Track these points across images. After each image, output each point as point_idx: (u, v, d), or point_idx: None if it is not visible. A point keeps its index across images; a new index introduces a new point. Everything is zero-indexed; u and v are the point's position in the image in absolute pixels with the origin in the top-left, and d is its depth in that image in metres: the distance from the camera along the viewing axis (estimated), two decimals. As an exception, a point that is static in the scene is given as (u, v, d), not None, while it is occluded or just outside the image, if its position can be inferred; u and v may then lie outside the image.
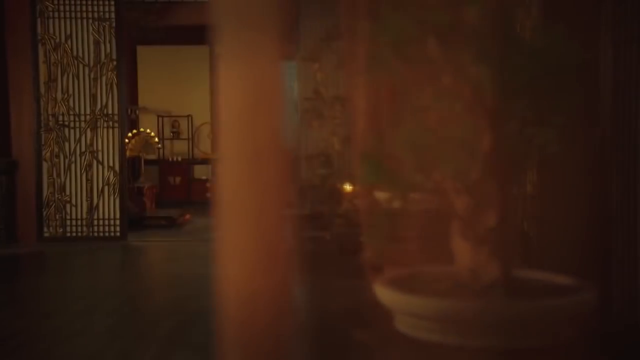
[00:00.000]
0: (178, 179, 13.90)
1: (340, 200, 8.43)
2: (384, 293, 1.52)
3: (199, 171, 14.26)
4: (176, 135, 14.36)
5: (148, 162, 13.02)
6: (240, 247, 1.62)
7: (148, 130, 13.39)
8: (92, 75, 8.96)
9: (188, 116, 14.24)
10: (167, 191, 13.48)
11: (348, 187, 6.45)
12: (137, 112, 13.60)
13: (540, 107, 1.27)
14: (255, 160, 1.55)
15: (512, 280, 1.37)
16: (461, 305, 1.32)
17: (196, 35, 13.99)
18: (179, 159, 14.10)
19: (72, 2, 8.90)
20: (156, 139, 13.54)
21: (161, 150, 14.06)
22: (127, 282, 6.83)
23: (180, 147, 14.34)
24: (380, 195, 4.19)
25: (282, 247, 1.52)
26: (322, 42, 8.97)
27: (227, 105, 1.61)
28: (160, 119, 14.26)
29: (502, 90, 1.25)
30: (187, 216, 11.18)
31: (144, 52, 14.04)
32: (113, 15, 8.95)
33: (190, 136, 14.30)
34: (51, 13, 8.91)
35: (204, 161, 14.26)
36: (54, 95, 8.93)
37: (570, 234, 1.35)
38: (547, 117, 1.25)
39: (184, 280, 6.75)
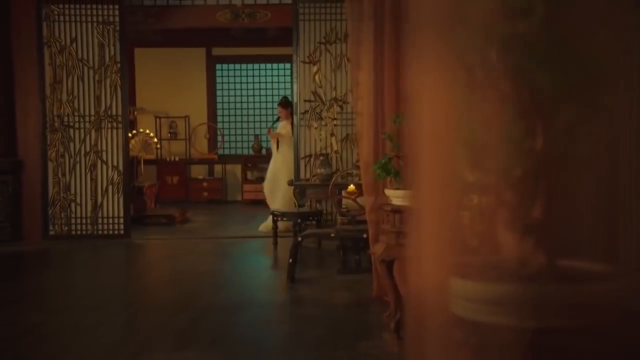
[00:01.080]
0: (175, 179, 13.94)
1: (340, 198, 8.51)
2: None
3: (196, 171, 14.31)
4: (174, 135, 14.39)
5: (146, 162, 13.07)
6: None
7: (147, 131, 13.44)
8: (96, 77, 9.01)
9: (185, 117, 14.28)
10: (165, 190, 13.50)
11: (351, 186, 6.53)
12: (136, 113, 13.61)
13: (588, 108, 1.37)
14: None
15: (557, 267, 1.47)
16: (518, 288, 1.42)
17: (193, 37, 14.13)
18: (177, 159, 14.13)
19: (77, 6, 8.95)
20: (155, 140, 13.58)
21: (159, 151, 14.09)
22: (134, 279, 6.91)
23: (177, 148, 14.37)
24: (390, 192, 4.31)
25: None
26: (321, 45, 9.08)
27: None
28: (157, 119, 14.29)
29: (555, 93, 1.35)
30: (187, 214, 11.23)
31: (141, 54, 14.05)
32: (117, 19, 9.01)
33: (187, 136, 14.33)
34: (57, 17, 8.96)
35: (201, 161, 14.31)
36: (59, 97, 8.98)
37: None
38: (594, 118, 1.35)
39: (188, 276, 6.83)
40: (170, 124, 14.40)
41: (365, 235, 6.24)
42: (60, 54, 8.98)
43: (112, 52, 9.03)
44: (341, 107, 9.09)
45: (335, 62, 9.08)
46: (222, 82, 14.84)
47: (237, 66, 14.82)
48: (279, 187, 9.47)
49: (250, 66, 14.80)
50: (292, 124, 9.57)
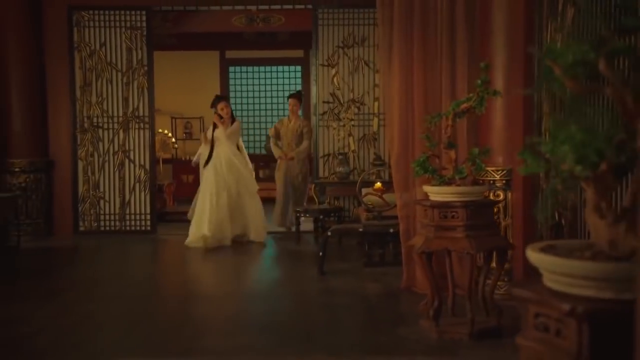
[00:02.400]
0: (191, 177, 14.10)
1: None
2: (536, 257, 1.82)
3: (210, 170, 14.48)
4: (189, 135, 14.58)
5: (163, 161, 13.26)
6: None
7: (166, 132, 13.63)
8: (124, 80, 9.21)
9: (200, 117, 14.46)
10: (180, 188, 13.69)
11: (378, 184, 6.74)
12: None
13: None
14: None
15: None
16: (612, 266, 1.63)
17: (207, 41, 14.32)
18: (189, 157, 14.30)
19: (106, 12, 9.14)
20: (173, 139, 13.78)
21: (175, 150, 14.28)
22: (170, 271, 7.10)
23: (192, 147, 14.51)
24: (428, 189, 4.52)
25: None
26: (339, 48, 9.29)
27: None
28: (173, 120, 14.48)
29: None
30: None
31: (158, 57, 14.11)
32: (144, 24, 9.21)
33: (201, 137, 14.51)
34: (87, 22, 9.15)
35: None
36: (88, 99, 9.18)
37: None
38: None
39: (219, 269, 7.02)
40: (186, 124, 14.59)
41: (391, 230, 6.47)
42: (90, 57, 9.17)
43: (140, 56, 9.23)
44: (358, 108, 9.29)
45: (353, 65, 9.28)
46: (235, 84, 15.04)
47: (250, 68, 15.02)
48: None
49: (262, 68, 15.01)
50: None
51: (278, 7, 10.52)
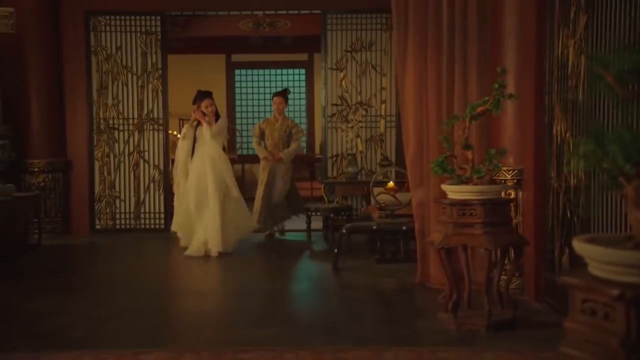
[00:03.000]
0: (198, 177, 14.21)
1: (369, 195, 8.86)
2: (584, 247, 1.95)
3: (217, 170, 14.59)
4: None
5: (172, 162, 13.35)
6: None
7: (175, 133, 13.73)
8: (139, 83, 9.33)
9: (206, 119, 14.55)
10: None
11: (391, 183, 6.88)
12: (162, 115, 13.90)
13: None
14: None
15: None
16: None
17: (213, 45, 14.45)
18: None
19: (122, 17, 9.26)
20: (181, 140, 13.85)
21: (183, 151, 14.37)
22: (189, 268, 7.19)
23: (199, 148, 14.64)
24: (447, 187, 4.66)
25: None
26: (347, 53, 9.42)
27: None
28: (181, 121, 14.55)
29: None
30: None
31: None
32: (159, 29, 9.33)
33: (208, 138, 14.62)
34: (103, 27, 9.26)
35: (221, 160, 14.59)
36: (105, 101, 9.29)
37: None
38: None
39: (237, 266, 7.11)
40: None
41: (404, 228, 6.61)
42: (107, 61, 9.28)
43: (154, 60, 9.34)
44: (366, 110, 9.42)
45: (361, 69, 9.41)
46: (241, 87, 15.18)
47: (255, 71, 15.15)
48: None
49: (266, 71, 15.14)
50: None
51: (289, 12, 10.68)
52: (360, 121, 9.42)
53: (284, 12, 10.55)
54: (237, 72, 15.12)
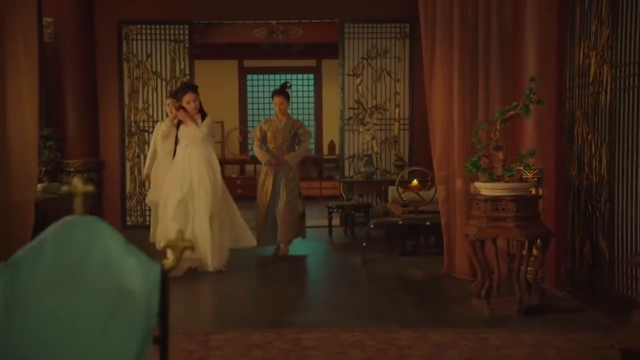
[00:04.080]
0: (213, 177, 14.44)
1: (384, 193, 9.12)
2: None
3: (230, 170, 14.83)
4: (210, 138, 14.89)
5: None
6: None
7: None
8: (168, 88, 9.54)
9: (220, 122, 14.76)
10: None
11: (415, 182, 7.15)
12: (178, 118, 14.11)
13: None
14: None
15: None
16: None
17: (226, 51, 14.68)
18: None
19: (153, 27, 9.48)
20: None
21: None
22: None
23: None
24: (480, 185, 4.93)
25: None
26: (363, 60, 9.68)
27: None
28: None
29: None
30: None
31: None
32: (187, 37, 9.56)
33: (222, 139, 14.85)
34: (135, 35, 9.49)
35: (234, 161, 14.86)
36: (136, 105, 9.51)
37: None
38: None
39: (271, 258, 7.34)
40: (208, 128, 14.91)
41: (428, 223, 6.88)
42: (137, 67, 9.50)
43: (182, 66, 9.57)
44: (381, 113, 9.68)
45: (376, 75, 9.67)
46: (252, 91, 15.41)
47: (266, 76, 15.38)
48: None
49: (277, 76, 15.34)
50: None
51: (296, 20, 10.91)
52: (375, 124, 9.68)
53: (296, 20, 10.82)
54: (249, 76, 15.35)
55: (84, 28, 9.23)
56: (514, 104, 4.99)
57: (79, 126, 9.24)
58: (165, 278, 1.77)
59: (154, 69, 9.55)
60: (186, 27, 9.56)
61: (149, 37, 9.52)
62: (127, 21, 9.44)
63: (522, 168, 4.96)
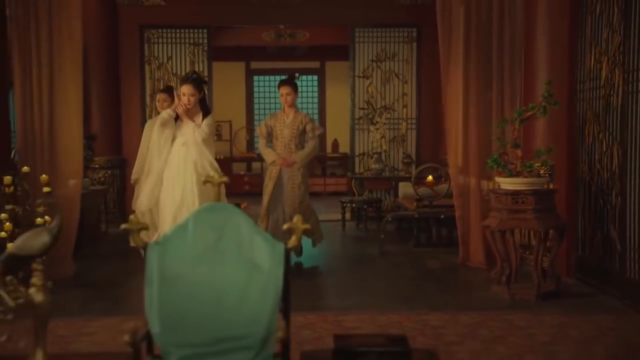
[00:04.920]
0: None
1: (394, 188, 9.38)
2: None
3: (237, 167, 15.08)
4: (218, 137, 15.08)
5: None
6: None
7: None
8: (186, 89, 9.75)
9: (228, 121, 15.01)
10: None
11: (430, 177, 7.41)
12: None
13: None
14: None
15: None
16: None
17: (234, 53, 14.90)
18: (222, 157, 14.85)
19: (173, 30, 9.70)
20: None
21: (207, 150, 14.83)
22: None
23: (222, 147, 15.05)
24: (501, 180, 5.20)
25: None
26: (373, 62, 9.95)
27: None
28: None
29: None
30: (245, 204, 12.01)
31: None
32: (205, 40, 9.78)
33: (230, 138, 15.09)
34: (156, 39, 9.70)
35: (242, 159, 15.09)
36: (156, 105, 9.69)
37: None
38: None
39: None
40: (216, 127, 15.13)
41: (442, 217, 7.15)
42: (158, 69, 9.72)
43: (201, 68, 9.78)
44: (390, 113, 9.95)
45: (385, 77, 9.93)
46: (259, 92, 15.64)
47: (272, 78, 15.59)
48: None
49: (282, 77, 15.56)
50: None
51: (319, 25, 11.13)
52: (384, 123, 9.94)
53: (311, 25, 11.05)
54: (255, 78, 15.59)
55: (107, 32, 9.42)
56: (531, 105, 5.27)
57: (102, 125, 9.43)
58: (287, 255, 2.02)
59: (174, 71, 9.76)
60: (205, 30, 9.78)
61: (169, 40, 9.74)
62: (149, 25, 9.65)
63: (539, 164, 5.21)
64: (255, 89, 15.60)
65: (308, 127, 6.46)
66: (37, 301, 1.92)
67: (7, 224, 5.21)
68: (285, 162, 6.37)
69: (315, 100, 15.62)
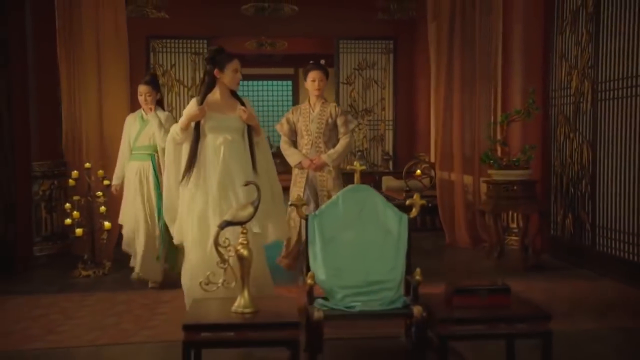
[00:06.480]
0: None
1: (377, 182, 10.06)
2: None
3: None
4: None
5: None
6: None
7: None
8: (189, 94, 10.25)
9: (210, 123, 15.47)
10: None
11: (418, 171, 8.11)
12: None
13: None
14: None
15: None
16: None
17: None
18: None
19: (176, 41, 10.16)
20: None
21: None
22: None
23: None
24: (492, 172, 5.93)
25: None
26: (355, 70, 10.62)
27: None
28: (189, 125, 15.44)
29: None
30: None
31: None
32: (205, 50, 10.25)
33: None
34: (161, 48, 10.15)
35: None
36: (162, 108, 10.15)
37: None
38: None
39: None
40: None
41: (429, 205, 7.85)
42: (163, 76, 10.16)
43: (202, 75, 10.25)
44: (370, 115, 10.63)
45: (365, 83, 10.60)
46: (238, 95, 16.14)
47: (249, 83, 16.15)
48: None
49: (259, 83, 16.15)
50: None
51: (308, 37, 11.71)
52: (366, 124, 10.63)
53: (300, 37, 11.60)
54: (235, 83, 16.07)
55: (117, 42, 9.81)
56: (515, 109, 6.02)
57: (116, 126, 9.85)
58: (409, 223, 2.67)
59: (177, 77, 10.23)
60: (205, 41, 10.27)
61: (173, 49, 10.18)
62: (154, 36, 10.07)
63: (526, 159, 5.96)
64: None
65: (340, 121, 5.15)
66: (243, 255, 2.50)
67: (75, 212, 5.71)
68: (313, 164, 5.09)
69: (290, 104, 16.21)
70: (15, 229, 5.95)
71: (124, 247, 5.55)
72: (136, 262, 5.35)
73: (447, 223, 7.23)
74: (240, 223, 2.51)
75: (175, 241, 4.14)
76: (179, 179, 3.97)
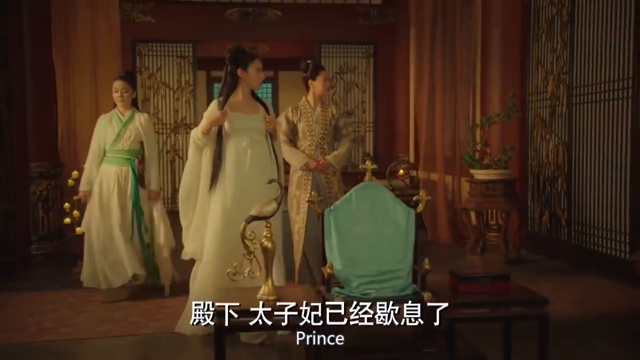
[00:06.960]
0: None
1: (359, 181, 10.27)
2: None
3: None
4: (183, 138, 15.63)
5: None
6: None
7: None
8: (175, 96, 10.37)
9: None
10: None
11: (401, 171, 8.35)
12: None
13: None
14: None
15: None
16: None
17: (200, 64, 15.40)
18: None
19: (162, 44, 10.26)
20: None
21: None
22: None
23: (186, 148, 15.64)
24: (475, 172, 6.18)
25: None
26: (337, 74, 10.83)
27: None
28: (171, 126, 15.49)
29: None
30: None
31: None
32: (191, 53, 10.40)
33: (193, 139, 15.64)
34: (147, 52, 10.24)
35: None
36: (148, 110, 10.25)
37: None
38: None
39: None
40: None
41: (412, 203, 8.09)
42: (149, 78, 10.26)
43: (187, 78, 10.40)
44: (351, 118, 10.85)
45: (347, 87, 10.82)
46: (218, 98, 16.25)
47: (229, 85, 16.25)
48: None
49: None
50: None
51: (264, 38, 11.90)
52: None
53: (264, 37, 11.77)
54: (215, 85, 16.18)
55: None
56: (496, 113, 6.28)
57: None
58: (417, 218, 2.88)
59: (163, 80, 10.33)
60: (190, 45, 10.39)
61: (159, 53, 10.28)
62: (141, 40, 10.16)
63: (506, 159, 6.21)
64: (214, 96, 16.17)
65: (341, 122, 5.07)
66: (267, 247, 2.68)
67: (76, 211, 5.81)
68: (317, 165, 4.87)
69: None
70: (15, 228, 6.03)
71: (86, 256, 5.03)
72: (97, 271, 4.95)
73: (429, 221, 7.47)
74: (265, 217, 2.70)
75: (186, 255, 3.91)
76: (203, 184, 3.83)
